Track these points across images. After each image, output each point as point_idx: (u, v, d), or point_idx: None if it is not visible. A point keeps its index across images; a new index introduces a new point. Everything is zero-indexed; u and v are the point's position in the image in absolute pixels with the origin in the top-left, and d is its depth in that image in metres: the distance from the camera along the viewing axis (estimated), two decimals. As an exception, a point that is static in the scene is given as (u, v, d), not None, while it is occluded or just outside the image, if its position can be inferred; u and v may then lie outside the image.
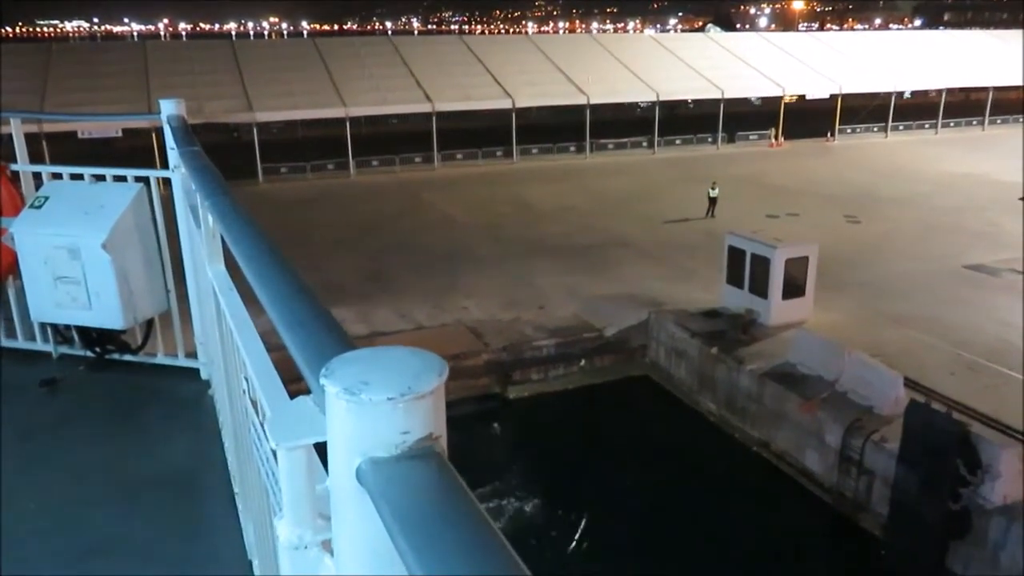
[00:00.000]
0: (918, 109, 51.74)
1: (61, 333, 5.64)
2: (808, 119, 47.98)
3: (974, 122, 51.80)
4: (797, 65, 48.64)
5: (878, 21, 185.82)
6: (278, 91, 39.02)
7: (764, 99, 48.42)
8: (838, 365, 16.07)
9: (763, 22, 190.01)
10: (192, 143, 4.02)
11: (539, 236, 27.45)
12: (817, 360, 16.60)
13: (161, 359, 5.63)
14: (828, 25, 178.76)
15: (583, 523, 15.20)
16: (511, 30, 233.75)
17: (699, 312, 19.95)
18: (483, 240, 27.23)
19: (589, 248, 25.95)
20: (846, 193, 33.51)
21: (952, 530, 12.52)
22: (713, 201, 29.66)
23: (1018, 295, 20.57)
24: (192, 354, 5.51)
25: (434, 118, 39.92)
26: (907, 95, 51.62)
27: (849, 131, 48.61)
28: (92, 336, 5.47)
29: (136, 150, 30.33)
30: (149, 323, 5.51)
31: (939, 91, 49.78)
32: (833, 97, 47.09)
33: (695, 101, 48.87)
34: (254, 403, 1.93)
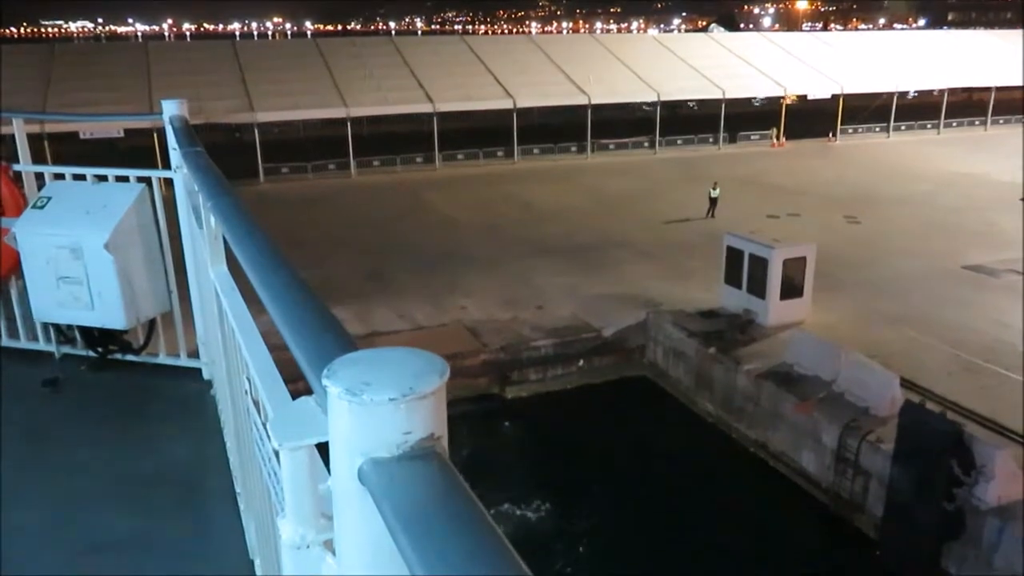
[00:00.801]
0: (921, 109, 51.67)
1: (63, 333, 5.65)
2: (810, 119, 47.95)
3: (977, 122, 51.71)
4: (799, 65, 48.61)
5: (882, 21, 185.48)
6: (279, 91, 39.10)
7: (766, 99, 48.40)
8: (835, 365, 16.09)
9: (767, 22, 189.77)
10: (195, 144, 4.03)
11: (539, 236, 27.49)
12: (814, 360, 16.62)
13: (163, 359, 5.64)
14: (832, 25, 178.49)
15: (579, 524, 15.24)
16: (515, 30, 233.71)
17: (697, 312, 19.99)
18: (483, 240, 27.27)
19: (589, 248, 25.98)
20: (847, 193, 33.50)
21: (946, 531, 12.55)
22: (714, 201, 29.67)
23: (1017, 296, 20.56)
24: (194, 354, 5.53)
25: (435, 118, 39.98)
26: (911, 95, 51.54)
27: (851, 131, 48.56)
28: (94, 336, 5.48)
29: (138, 150, 30.42)
30: (151, 323, 5.52)
31: (942, 91, 49.71)
32: (835, 97, 47.06)
33: (697, 101, 48.85)
34: (256, 403, 1.94)
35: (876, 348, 17.37)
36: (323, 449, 1.16)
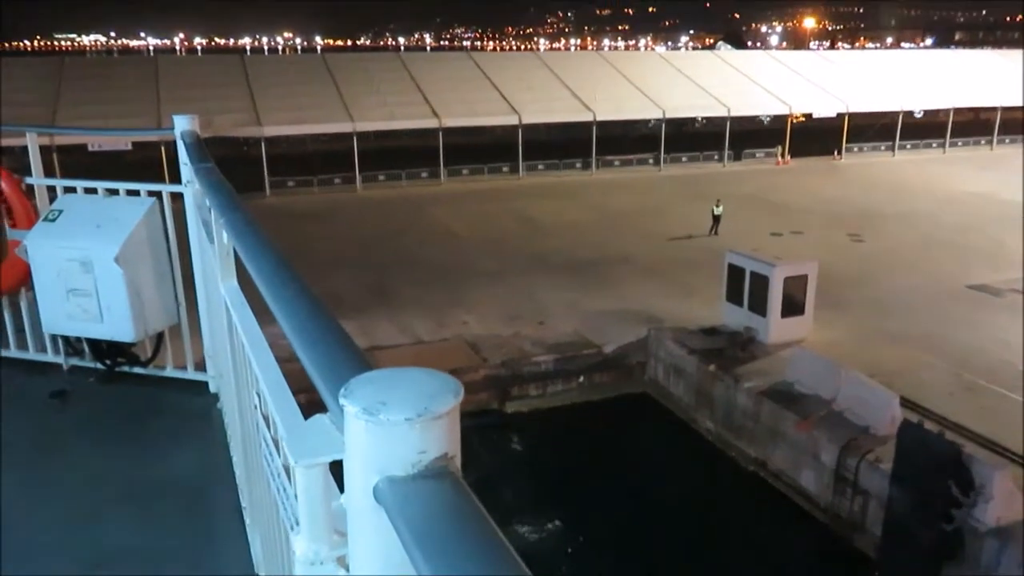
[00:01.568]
0: (926, 128, 51.73)
1: (72, 345, 5.69)
2: (815, 137, 48.04)
3: (983, 141, 51.75)
4: (804, 83, 48.78)
5: (889, 40, 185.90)
6: (287, 105, 39.42)
7: (772, 117, 48.52)
8: (835, 384, 16.07)
9: (774, 40, 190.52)
10: (206, 159, 4.06)
11: (542, 252, 27.56)
12: (814, 379, 16.60)
13: (170, 372, 5.67)
14: (839, 44, 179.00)
15: (577, 541, 15.19)
16: (523, 47, 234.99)
17: (698, 329, 19.99)
18: (486, 255, 27.35)
19: (591, 264, 26.03)
20: (851, 211, 33.52)
21: (945, 551, 12.48)
22: (717, 218, 29.72)
23: (1021, 315, 20.47)
24: (201, 366, 5.56)
25: (441, 133, 40.20)
26: (917, 114, 51.60)
27: (856, 149, 48.64)
28: (102, 348, 5.52)
29: (145, 162, 30.66)
30: (159, 336, 5.56)
31: (948, 110, 49.75)
32: (840, 116, 47.14)
33: (703, 119, 48.98)
34: (266, 418, 1.95)
35: (877, 367, 17.33)
36: (333, 465, 1.21)
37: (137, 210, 5.20)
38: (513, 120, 41.29)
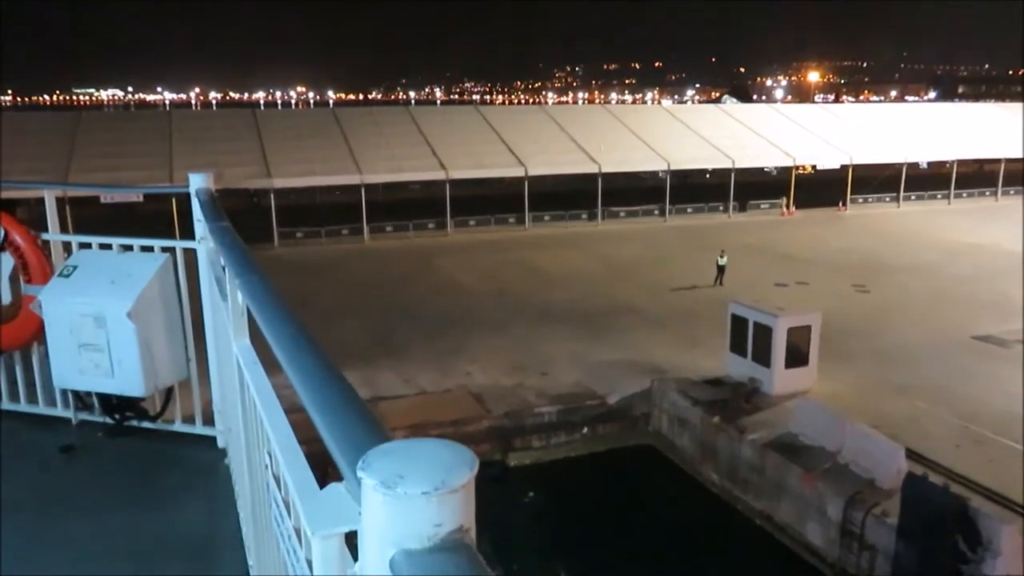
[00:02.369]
0: (931, 179, 52.06)
1: (82, 399, 5.70)
2: (820, 188, 48.39)
3: (987, 192, 52.02)
4: (808, 136, 49.30)
5: (893, 93, 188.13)
6: (296, 158, 40.07)
7: (779, 168, 48.97)
8: (839, 436, 15.91)
9: (779, 94, 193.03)
10: (221, 218, 4.08)
11: (546, 302, 27.63)
12: (819, 430, 16.44)
13: (179, 426, 5.66)
14: (844, 97, 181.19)
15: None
16: (532, 100, 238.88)
17: (702, 380, 19.90)
18: (491, 305, 27.44)
19: (596, 314, 26.05)
20: (856, 262, 33.56)
21: (954, 609, 12.18)
22: (721, 269, 29.79)
23: (1027, 367, 20.32)
24: (209, 419, 5.55)
25: (447, 185, 40.69)
26: (922, 165, 51.99)
27: (861, 200, 48.92)
28: (112, 403, 5.53)
29: (159, 214, 31.11)
30: (168, 390, 5.56)
31: (951, 162, 50.10)
32: (844, 167, 47.53)
33: (710, 170, 49.47)
34: (277, 479, 1.95)
35: (883, 418, 17.18)
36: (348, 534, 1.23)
37: (151, 266, 5.27)
38: (519, 172, 41.80)
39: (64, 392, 5.69)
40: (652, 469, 19.28)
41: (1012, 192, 51.50)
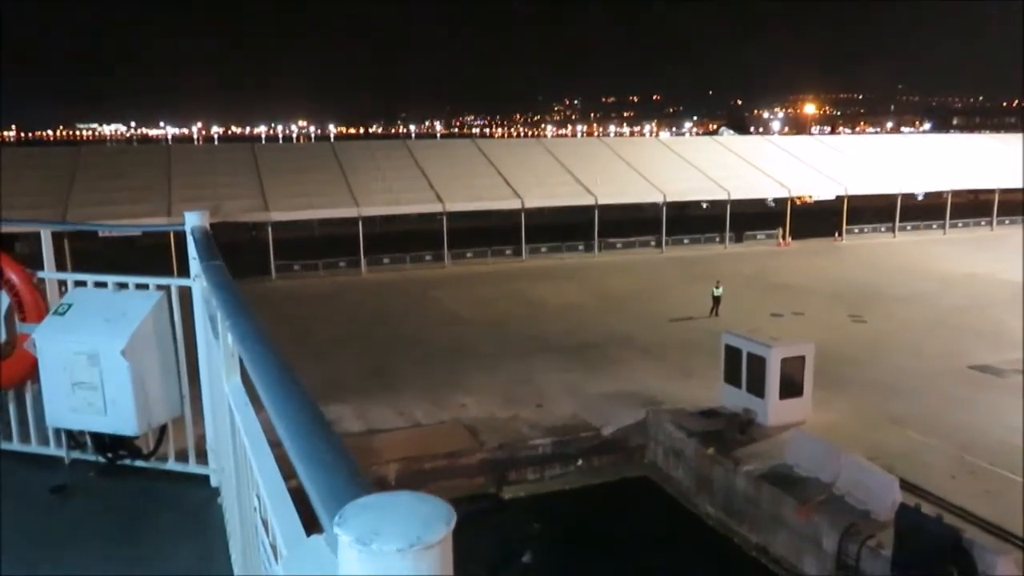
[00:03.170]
0: (927, 209, 52.29)
1: (75, 438, 5.67)
2: (817, 219, 48.61)
3: (982, 222, 52.26)
4: (804, 167, 49.66)
5: (889, 125, 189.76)
6: (294, 192, 40.33)
7: (776, 200, 49.28)
8: (834, 467, 15.82)
9: (776, 126, 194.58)
10: (215, 257, 4.09)
11: (542, 333, 27.62)
12: (814, 462, 16.36)
13: (172, 464, 5.61)
14: (841, 128, 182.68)
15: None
16: (531, 132, 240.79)
17: (697, 411, 19.83)
18: (486, 337, 27.43)
19: (591, 346, 26.04)
20: (852, 292, 33.60)
21: (951, 642, 12.02)
22: (717, 300, 29.81)
23: (1022, 396, 20.25)
24: (202, 457, 5.50)
25: (444, 218, 40.89)
26: (918, 196, 52.29)
27: (857, 231, 49.15)
28: (105, 441, 5.49)
29: (156, 248, 31.21)
30: (162, 428, 5.53)
31: (947, 192, 50.41)
32: (839, 198, 47.81)
33: (707, 202, 49.76)
34: (264, 523, 1.94)
35: (878, 449, 17.10)
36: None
37: (145, 304, 5.27)
38: (516, 204, 42.04)
39: (57, 431, 5.67)
40: (647, 501, 19.13)
41: (1007, 222, 51.74)
